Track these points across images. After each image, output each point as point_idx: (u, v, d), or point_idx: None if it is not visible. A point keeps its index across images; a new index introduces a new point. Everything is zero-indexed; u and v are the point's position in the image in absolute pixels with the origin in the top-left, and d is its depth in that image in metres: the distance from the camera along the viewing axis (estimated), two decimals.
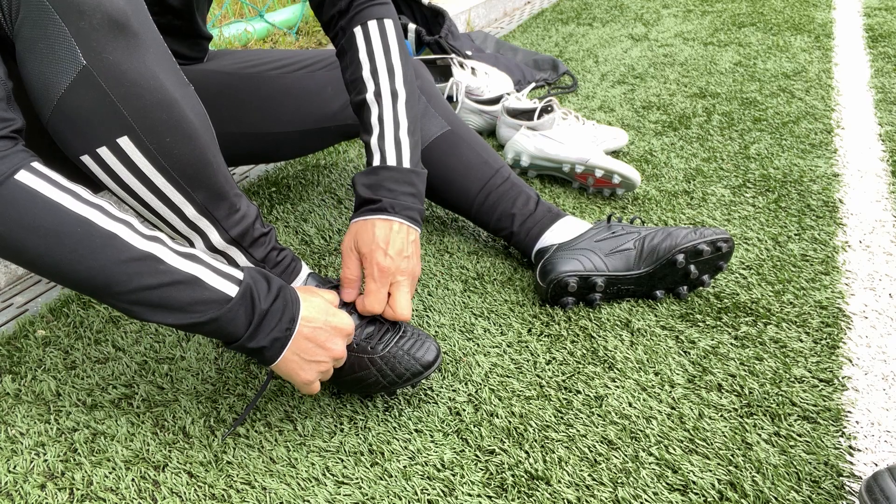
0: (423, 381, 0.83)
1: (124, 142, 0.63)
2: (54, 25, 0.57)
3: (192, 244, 0.74)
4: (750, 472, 0.71)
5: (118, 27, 0.60)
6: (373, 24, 0.87)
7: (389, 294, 0.79)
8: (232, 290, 0.63)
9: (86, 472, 0.71)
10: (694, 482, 0.70)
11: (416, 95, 0.87)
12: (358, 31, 0.87)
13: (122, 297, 0.60)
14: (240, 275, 0.65)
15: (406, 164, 0.83)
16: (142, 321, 0.61)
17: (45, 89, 0.59)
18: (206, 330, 0.63)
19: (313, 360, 0.69)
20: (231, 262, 0.76)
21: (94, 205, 0.59)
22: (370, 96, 0.84)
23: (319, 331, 0.69)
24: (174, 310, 0.61)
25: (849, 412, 0.78)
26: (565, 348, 0.89)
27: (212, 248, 0.74)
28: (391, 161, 0.82)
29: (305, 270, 0.81)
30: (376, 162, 0.82)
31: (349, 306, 0.79)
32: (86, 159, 0.63)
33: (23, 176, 0.56)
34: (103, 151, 0.63)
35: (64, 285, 0.61)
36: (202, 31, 1.06)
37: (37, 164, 0.58)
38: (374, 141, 0.83)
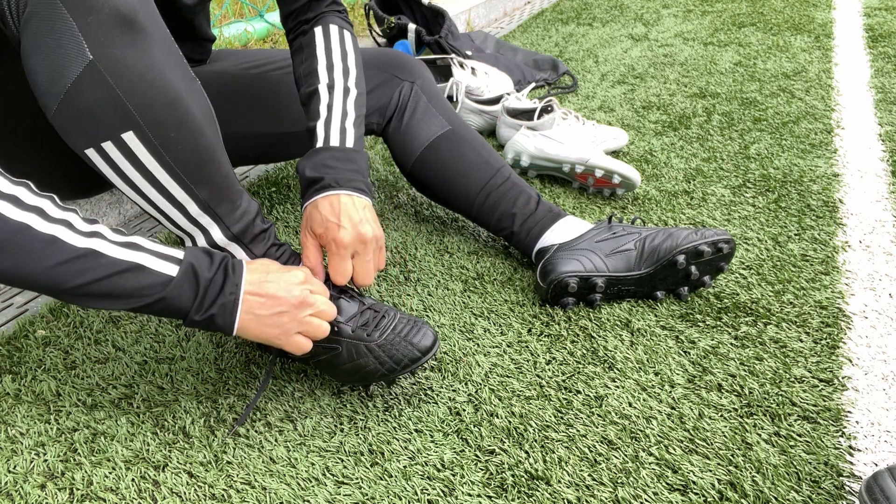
0: (423, 380, 0.83)
1: (129, 137, 0.63)
2: (62, 19, 0.57)
3: (194, 241, 0.74)
4: (750, 472, 0.71)
5: (126, 22, 0.60)
6: (334, 28, 0.90)
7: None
8: (173, 269, 0.64)
9: (86, 472, 0.71)
10: (694, 482, 0.70)
11: (364, 97, 0.89)
12: (318, 30, 0.89)
13: (70, 293, 0.61)
14: (180, 255, 0.66)
15: (349, 145, 0.83)
16: (96, 309, 0.63)
17: (52, 83, 0.59)
18: (156, 309, 0.64)
19: (271, 313, 0.68)
20: (231, 258, 0.76)
21: (33, 208, 0.59)
22: (322, 87, 0.86)
23: (266, 284, 0.69)
24: (123, 297, 0.62)
25: (849, 412, 0.78)
26: (565, 348, 0.89)
27: (213, 245, 0.74)
28: (334, 143, 0.83)
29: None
30: (319, 144, 0.83)
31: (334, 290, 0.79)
32: (90, 153, 0.64)
33: None
34: (108, 146, 0.63)
35: (15, 287, 0.61)
36: (205, 33, 1.06)
37: None
38: (319, 125, 0.84)
